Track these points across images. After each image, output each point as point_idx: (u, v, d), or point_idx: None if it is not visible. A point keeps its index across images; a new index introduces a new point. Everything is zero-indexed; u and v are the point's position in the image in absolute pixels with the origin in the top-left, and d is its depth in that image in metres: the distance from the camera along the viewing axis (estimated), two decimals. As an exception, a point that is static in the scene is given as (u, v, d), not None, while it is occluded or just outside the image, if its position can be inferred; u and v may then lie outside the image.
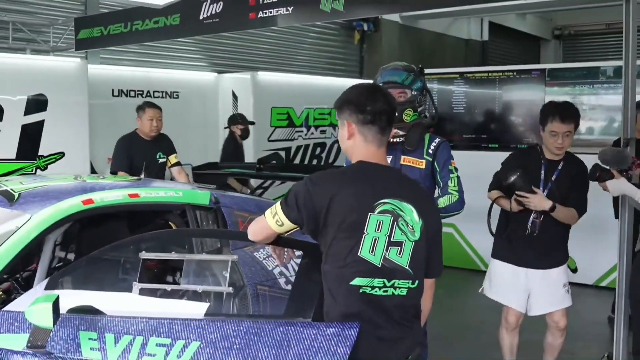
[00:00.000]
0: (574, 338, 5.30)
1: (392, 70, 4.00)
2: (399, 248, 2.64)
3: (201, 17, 5.93)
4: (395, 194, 2.66)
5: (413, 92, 3.91)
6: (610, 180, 4.15)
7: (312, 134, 10.51)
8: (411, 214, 2.67)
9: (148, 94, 8.85)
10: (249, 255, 3.59)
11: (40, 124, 7.21)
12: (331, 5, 4.97)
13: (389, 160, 3.44)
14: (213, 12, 5.84)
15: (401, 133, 3.85)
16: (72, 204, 3.51)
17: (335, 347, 2.45)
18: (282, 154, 10.00)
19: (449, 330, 6.12)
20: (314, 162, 10.57)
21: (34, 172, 7.18)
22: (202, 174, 6.82)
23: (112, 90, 8.53)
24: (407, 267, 2.65)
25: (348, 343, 2.45)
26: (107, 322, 2.67)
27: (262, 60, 11.28)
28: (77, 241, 4.21)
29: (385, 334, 2.64)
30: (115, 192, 3.79)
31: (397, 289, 2.64)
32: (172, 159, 6.47)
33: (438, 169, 3.93)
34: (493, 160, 8.37)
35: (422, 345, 2.99)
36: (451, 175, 3.93)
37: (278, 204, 2.70)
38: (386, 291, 2.62)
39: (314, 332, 2.55)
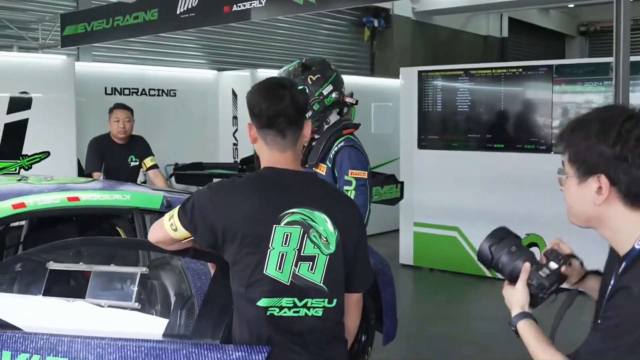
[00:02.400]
0: None
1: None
2: (311, 263, 2.33)
3: (178, 12, 5.75)
4: (305, 203, 2.36)
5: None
6: None
7: (317, 133, 10.20)
8: (325, 224, 2.36)
9: (143, 92, 8.67)
10: (202, 264, 3.34)
11: (24, 123, 7.04)
12: (304, -2, 4.73)
13: None
14: (189, 7, 5.64)
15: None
16: (1, 208, 3.30)
17: (241, 373, 2.21)
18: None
19: (444, 342, 5.82)
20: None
21: (17, 171, 7.01)
22: (184, 175, 6.59)
23: (105, 88, 8.35)
24: (321, 284, 2.34)
25: (256, 369, 2.19)
26: (6, 338, 2.44)
27: (266, 57, 11.04)
28: (24, 245, 4.03)
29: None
30: (53, 195, 3.55)
31: (311, 309, 2.34)
32: (148, 162, 6.21)
33: (338, 177, 3.68)
34: (498, 161, 8.14)
35: None
36: (346, 188, 3.64)
37: (177, 207, 2.42)
38: (297, 312, 2.33)
39: (219, 355, 2.31)
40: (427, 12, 13.31)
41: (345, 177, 3.59)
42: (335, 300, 2.38)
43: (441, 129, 8.57)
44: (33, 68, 7.25)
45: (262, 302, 2.30)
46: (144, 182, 6.48)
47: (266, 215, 2.32)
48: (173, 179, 7.73)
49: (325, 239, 2.35)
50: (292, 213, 2.33)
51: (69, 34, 7.17)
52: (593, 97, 7.49)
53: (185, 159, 8.52)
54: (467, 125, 8.37)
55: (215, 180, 7.23)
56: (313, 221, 2.35)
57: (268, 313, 2.30)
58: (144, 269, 2.54)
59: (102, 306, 2.57)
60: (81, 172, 7.42)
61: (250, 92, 2.43)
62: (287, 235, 2.32)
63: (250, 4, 5.09)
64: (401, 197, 5.17)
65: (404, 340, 5.42)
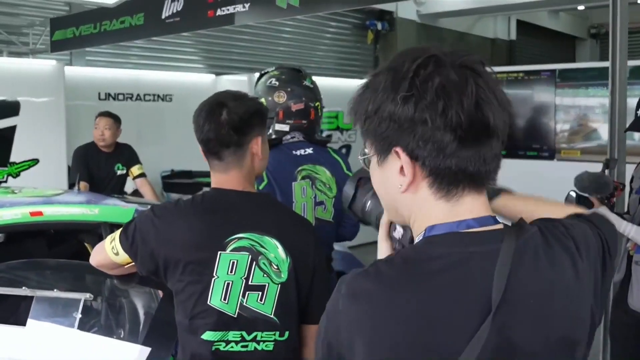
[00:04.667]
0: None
1: None
2: (260, 293, 2.18)
3: (163, 17, 5.59)
4: (254, 227, 2.19)
5: None
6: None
7: (318, 138, 10.00)
8: (275, 250, 2.20)
9: (138, 97, 8.52)
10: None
11: (12, 129, 6.89)
12: (287, 2, 4.55)
13: None
14: (174, 11, 5.48)
15: None
16: (-50, 227, 3.15)
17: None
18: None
19: None
20: (319, 167, 10.08)
21: (5, 179, 6.86)
22: (172, 184, 6.42)
23: (99, 93, 8.20)
24: (272, 316, 2.18)
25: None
26: None
27: (265, 62, 10.86)
28: None
29: None
30: (14, 210, 3.38)
31: (261, 342, 2.18)
32: (135, 170, 6.03)
33: None
34: (501, 169, 7.89)
35: None
36: None
37: (119, 230, 2.25)
38: (246, 346, 2.16)
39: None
40: (433, 15, 13.08)
41: None
42: (287, 333, 2.21)
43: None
44: (22, 73, 7.10)
45: (207, 336, 2.13)
46: (135, 191, 6.31)
47: (209, 240, 2.15)
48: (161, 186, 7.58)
49: (276, 267, 2.19)
50: (239, 238, 2.17)
51: (58, 39, 7.03)
52: (597, 101, 7.28)
53: (182, 165, 8.34)
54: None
55: (204, 189, 7.06)
56: (262, 247, 2.19)
57: (213, 348, 2.13)
58: (88, 295, 2.36)
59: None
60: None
61: (196, 111, 2.29)
62: (234, 262, 2.15)
63: (234, 8, 4.93)
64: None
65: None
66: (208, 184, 6.46)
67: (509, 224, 1.25)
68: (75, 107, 7.65)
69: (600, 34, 19.13)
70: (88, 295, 2.36)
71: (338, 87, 10.41)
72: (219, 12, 5.06)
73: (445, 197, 1.17)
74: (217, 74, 9.67)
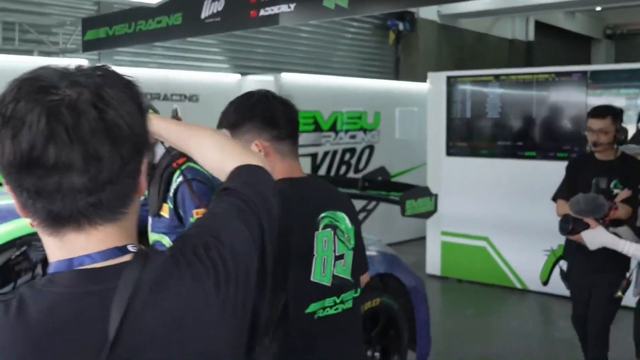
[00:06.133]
0: None
1: None
2: (343, 261, 2.42)
3: (202, 17, 5.54)
4: (328, 205, 2.43)
5: None
6: (586, 232, 3.45)
7: (341, 139, 9.98)
8: (344, 221, 2.45)
9: (165, 97, 8.48)
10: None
11: (44, 129, 6.85)
12: (335, 2, 4.52)
13: None
14: (214, 11, 5.43)
15: None
16: None
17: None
18: (308, 160, 9.51)
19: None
20: (343, 169, 10.06)
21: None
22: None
23: (127, 93, 8.16)
24: (350, 278, 2.43)
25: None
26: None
27: (290, 62, 10.86)
28: None
29: (347, 352, 2.46)
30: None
31: (345, 302, 2.42)
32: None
33: (183, 219, 3.20)
34: (529, 169, 7.87)
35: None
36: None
37: None
38: (337, 309, 2.39)
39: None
40: (453, 16, 13.06)
41: (191, 219, 3.13)
42: (359, 289, 2.49)
43: (470, 136, 8.33)
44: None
45: (310, 309, 2.32)
46: None
47: (308, 224, 2.35)
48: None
49: (347, 236, 2.44)
50: (323, 217, 2.38)
51: (90, 39, 6.99)
52: (631, 103, 7.24)
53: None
54: (497, 132, 8.13)
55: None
56: (337, 221, 2.42)
57: (316, 317, 2.34)
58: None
59: None
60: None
61: (260, 107, 2.33)
62: (325, 239, 2.37)
63: (279, 9, 4.89)
64: (435, 210, 4.94)
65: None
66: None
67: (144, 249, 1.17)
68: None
69: (616, 34, 19.09)
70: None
71: (360, 88, 10.43)
72: (262, 13, 5.02)
73: (53, 234, 1.11)
74: (243, 73, 9.64)
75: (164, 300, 1.10)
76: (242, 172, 1.38)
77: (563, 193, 4.56)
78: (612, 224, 3.96)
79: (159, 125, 1.54)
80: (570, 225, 3.48)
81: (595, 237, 3.45)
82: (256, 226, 1.26)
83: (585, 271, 4.22)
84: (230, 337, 1.17)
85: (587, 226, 3.46)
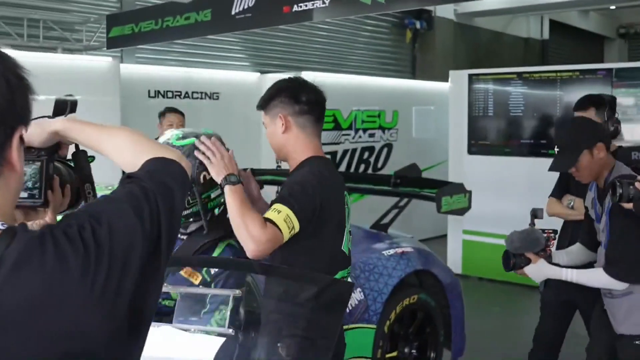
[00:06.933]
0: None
1: None
2: (350, 237, 2.73)
3: (233, 12, 5.51)
4: (344, 185, 2.72)
5: None
6: (528, 267, 3.36)
7: (360, 137, 9.96)
8: (349, 201, 2.73)
9: (187, 95, 8.47)
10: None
11: (69, 127, 6.84)
12: (372, -3, 4.48)
13: None
14: (245, 7, 5.40)
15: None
16: None
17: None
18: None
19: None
20: (362, 167, 10.04)
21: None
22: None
23: (149, 91, 8.16)
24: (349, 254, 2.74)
25: None
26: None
27: (309, 60, 10.84)
28: None
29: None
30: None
31: (349, 277, 2.73)
32: None
33: None
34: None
35: None
36: None
37: (292, 215, 2.38)
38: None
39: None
40: (469, 14, 13.04)
41: None
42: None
43: (492, 134, 8.30)
44: (78, 70, 7.05)
45: (338, 275, 2.58)
46: None
47: (342, 199, 2.64)
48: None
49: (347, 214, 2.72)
50: (345, 194, 2.69)
51: (115, 36, 6.97)
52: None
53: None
54: (520, 131, 8.09)
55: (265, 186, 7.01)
56: (347, 200, 2.71)
57: None
58: (237, 292, 2.30)
59: (190, 332, 2.33)
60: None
61: (284, 84, 2.69)
62: (348, 214, 2.68)
63: (313, 4, 4.84)
64: (469, 206, 4.91)
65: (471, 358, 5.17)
66: (270, 182, 6.37)
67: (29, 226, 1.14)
68: (127, 104, 7.61)
69: (629, 33, 19.02)
70: (237, 292, 2.30)
71: (378, 87, 10.41)
72: (295, 8, 4.98)
73: None
74: (262, 72, 9.63)
75: (23, 279, 1.05)
76: (150, 163, 1.35)
77: (555, 191, 4.45)
78: (573, 230, 3.98)
79: (70, 127, 1.51)
80: (511, 262, 3.39)
81: (539, 270, 3.36)
82: (148, 212, 1.21)
83: None
84: (102, 321, 1.11)
85: (528, 261, 3.36)
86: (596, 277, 3.18)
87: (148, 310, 1.21)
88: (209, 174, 2.50)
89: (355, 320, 3.90)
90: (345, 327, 3.40)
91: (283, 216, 2.33)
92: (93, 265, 1.09)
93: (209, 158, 2.46)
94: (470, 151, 8.38)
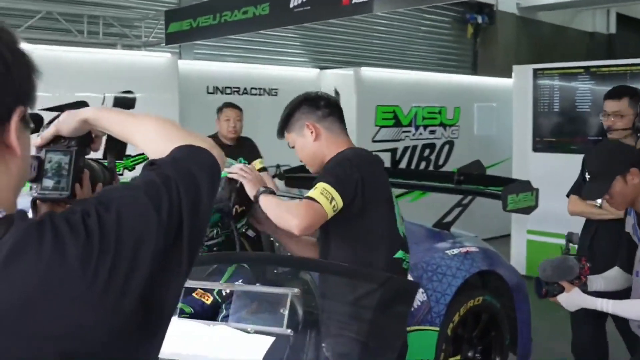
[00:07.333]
0: None
1: None
2: (403, 222, 2.74)
3: (291, 6, 5.43)
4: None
5: None
6: (561, 295, 3.15)
7: (421, 134, 9.77)
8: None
9: (245, 91, 8.41)
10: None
11: (128, 123, 6.85)
12: (436, -13, 4.33)
13: None
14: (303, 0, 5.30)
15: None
16: None
17: None
18: (388, 155, 9.32)
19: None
20: (422, 164, 9.84)
21: (121, 172, 6.84)
22: (293, 178, 6.26)
23: (207, 87, 8.12)
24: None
25: None
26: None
27: (367, 55, 10.70)
28: None
29: None
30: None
31: (408, 262, 2.72)
32: (257, 164, 5.89)
33: None
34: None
35: None
36: None
37: (329, 187, 2.43)
38: (407, 266, 2.69)
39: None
40: (532, 8, 12.69)
41: None
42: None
43: (558, 131, 8.02)
44: (136, 67, 7.05)
45: (398, 254, 2.62)
46: None
47: (386, 176, 2.72)
48: (277, 180, 7.44)
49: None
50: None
51: (173, 31, 6.96)
52: None
53: (285, 160, 8.22)
54: (587, 128, 7.80)
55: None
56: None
57: (404, 265, 2.63)
58: (296, 290, 2.18)
59: (248, 332, 2.22)
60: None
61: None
62: (396, 202, 2.72)
63: (374, -5, 4.73)
64: (536, 205, 4.71)
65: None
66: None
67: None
68: (185, 100, 7.59)
69: (703, 27, 18.32)
70: (296, 291, 2.19)
71: (439, 83, 10.21)
72: (354, 0, 4.86)
73: None
74: (321, 67, 9.52)
75: (16, 274, 0.96)
76: (177, 150, 1.24)
77: (575, 188, 4.20)
78: (597, 229, 3.96)
79: (98, 115, 1.41)
80: (543, 290, 3.18)
81: (571, 300, 3.15)
82: (167, 202, 1.09)
83: None
84: (104, 318, 1.01)
85: (561, 289, 3.16)
86: (634, 310, 3.02)
87: (168, 306, 1.10)
88: (240, 206, 2.80)
89: (418, 322, 3.75)
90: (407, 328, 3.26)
91: (320, 190, 2.40)
92: (96, 254, 0.99)
93: (244, 177, 2.68)
94: (535, 148, 8.12)
